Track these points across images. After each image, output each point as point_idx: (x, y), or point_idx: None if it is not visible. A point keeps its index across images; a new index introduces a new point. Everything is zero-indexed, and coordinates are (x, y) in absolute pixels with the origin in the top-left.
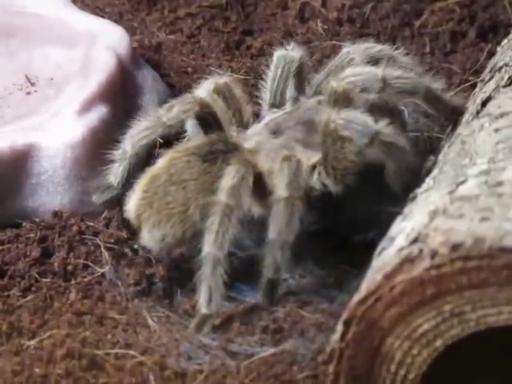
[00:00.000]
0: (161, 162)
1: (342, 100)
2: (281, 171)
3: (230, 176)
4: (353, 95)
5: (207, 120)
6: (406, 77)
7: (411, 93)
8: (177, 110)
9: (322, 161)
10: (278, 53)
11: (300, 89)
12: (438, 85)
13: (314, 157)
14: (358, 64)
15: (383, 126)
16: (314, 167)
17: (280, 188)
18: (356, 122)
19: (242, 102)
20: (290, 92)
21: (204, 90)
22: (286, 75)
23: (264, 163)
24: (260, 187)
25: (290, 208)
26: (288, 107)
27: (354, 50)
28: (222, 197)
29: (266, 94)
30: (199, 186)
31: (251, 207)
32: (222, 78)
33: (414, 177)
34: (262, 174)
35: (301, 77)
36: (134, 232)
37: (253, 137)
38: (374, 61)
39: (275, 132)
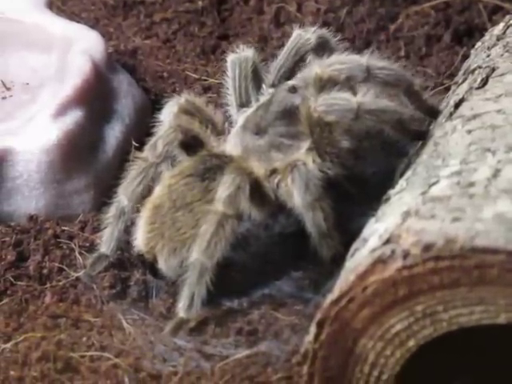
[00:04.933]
0: (158, 191)
1: (327, 87)
2: (293, 182)
3: (226, 185)
4: (338, 83)
5: (189, 144)
6: (390, 68)
7: (394, 85)
8: (161, 145)
9: (313, 149)
10: (231, 57)
11: (259, 84)
12: (418, 81)
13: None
14: (314, 45)
15: (362, 96)
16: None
17: (300, 198)
18: (336, 102)
19: (210, 112)
20: (252, 88)
21: (170, 113)
22: (245, 73)
23: (258, 168)
24: (258, 192)
25: (320, 209)
26: (255, 103)
27: (306, 33)
28: (218, 206)
29: (231, 97)
30: (205, 205)
31: (250, 213)
32: (182, 97)
33: (418, 122)
34: (258, 179)
35: (258, 73)
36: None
37: (236, 142)
38: (324, 42)
39: (257, 132)
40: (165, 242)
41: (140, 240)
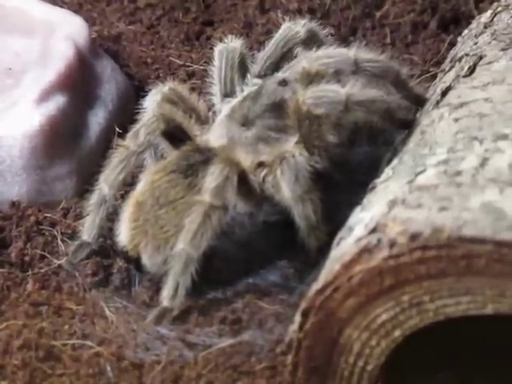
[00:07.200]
0: (141, 187)
1: (315, 81)
2: (283, 174)
3: (213, 176)
4: (325, 77)
5: (172, 132)
6: (377, 60)
7: (381, 76)
8: (143, 133)
9: (301, 143)
10: (219, 47)
11: (245, 74)
12: (405, 70)
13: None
14: (303, 38)
15: (351, 87)
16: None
17: (289, 191)
18: (325, 94)
19: (193, 101)
20: (238, 78)
21: (153, 101)
22: (232, 64)
23: (244, 160)
24: (243, 184)
25: (309, 202)
26: (239, 93)
27: (296, 25)
28: (206, 197)
29: (215, 87)
30: (188, 203)
31: (237, 204)
32: (166, 85)
33: (406, 110)
34: (244, 171)
35: (244, 64)
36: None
37: (221, 133)
38: (312, 35)
39: (244, 124)
40: (148, 240)
41: (124, 236)
